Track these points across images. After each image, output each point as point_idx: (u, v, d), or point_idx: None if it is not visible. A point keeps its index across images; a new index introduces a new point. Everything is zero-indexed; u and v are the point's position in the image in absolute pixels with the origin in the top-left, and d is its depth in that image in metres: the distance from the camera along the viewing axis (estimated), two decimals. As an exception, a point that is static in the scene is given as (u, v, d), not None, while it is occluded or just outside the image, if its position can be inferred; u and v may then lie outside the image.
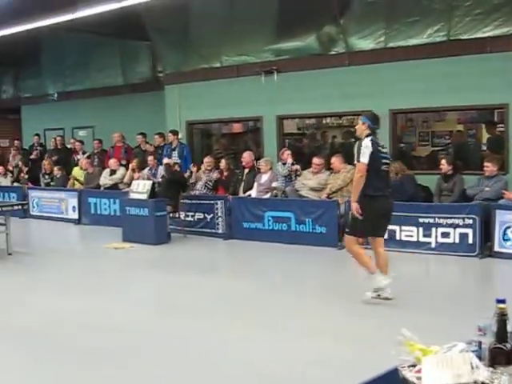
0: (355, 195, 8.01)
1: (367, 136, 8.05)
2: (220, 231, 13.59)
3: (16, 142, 21.35)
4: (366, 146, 7.90)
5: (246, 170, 14.05)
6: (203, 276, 10.16)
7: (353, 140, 15.19)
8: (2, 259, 11.98)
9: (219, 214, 13.56)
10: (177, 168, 14.24)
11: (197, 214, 13.89)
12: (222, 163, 14.71)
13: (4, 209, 12.53)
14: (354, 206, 7.97)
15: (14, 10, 14.02)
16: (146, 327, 7.46)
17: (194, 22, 16.13)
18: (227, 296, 8.87)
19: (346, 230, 8.49)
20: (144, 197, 13.16)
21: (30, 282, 10.15)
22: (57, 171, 18.07)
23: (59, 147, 19.51)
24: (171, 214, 13.57)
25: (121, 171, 16.42)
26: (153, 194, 13.23)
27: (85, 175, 17.22)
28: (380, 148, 8.10)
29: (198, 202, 13.92)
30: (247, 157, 14.12)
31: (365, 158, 7.86)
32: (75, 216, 16.67)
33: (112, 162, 16.60)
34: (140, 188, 13.37)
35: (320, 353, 6.26)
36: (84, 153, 18.50)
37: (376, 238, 8.29)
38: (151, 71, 18.57)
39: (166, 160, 14.09)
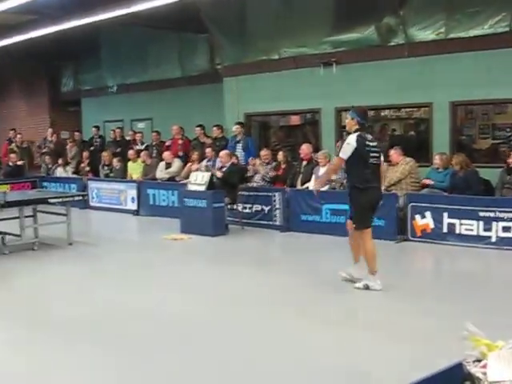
0: (323, 183, 9.19)
1: (356, 131, 8.39)
2: (277, 223, 13.58)
3: (76, 133, 21.63)
4: (348, 143, 8.30)
5: (304, 163, 14.02)
6: (260, 268, 10.17)
7: (412, 133, 15.19)
8: (62, 249, 12.20)
9: (277, 206, 13.55)
10: (235, 160, 14.28)
11: (254, 205, 13.91)
12: (280, 155, 14.70)
13: (65, 199, 12.76)
14: (316, 187, 9.01)
15: (74, 4, 14.19)
16: (202, 317, 7.54)
17: (252, 14, 16.14)
18: (283, 288, 8.88)
19: (354, 225, 8.67)
20: (202, 188, 13.22)
21: (89, 271, 10.32)
22: (116, 163, 18.27)
23: (118, 139, 19.72)
24: (229, 206, 13.62)
25: (176, 164, 16.52)
26: (211, 185, 13.28)
27: (143, 167, 17.37)
28: (368, 143, 8.38)
29: (256, 193, 13.93)
30: (305, 149, 14.08)
31: (344, 154, 8.32)
32: (134, 207, 16.85)
33: (167, 155, 16.73)
34: (198, 180, 13.44)
35: (376, 348, 6.23)
36: (143, 143, 18.67)
37: (365, 229, 8.56)
38: (209, 64, 18.60)
39: (215, 172, 13.98)
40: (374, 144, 8.54)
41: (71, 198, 13.18)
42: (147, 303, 8.22)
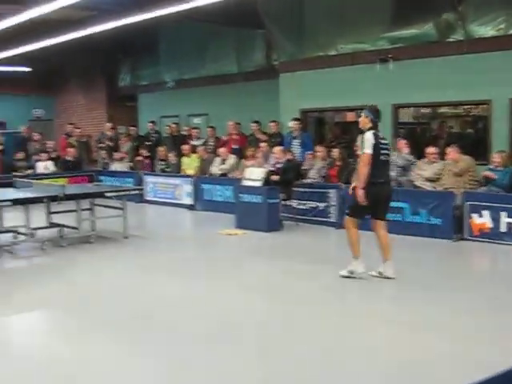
0: (362, 183, 8.73)
1: (369, 129, 8.83)
2: (332, 220, 13.53)
3: (131, 128, 21.83)
4: (368, 139, 8.69)
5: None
6: (314, 264, 10.14)
7: (470, 130, 14.99)
8: (118, 242, 12.36)
9: (332, 203, 13.51)
10: (289, 156, 14.26)
11: (309, 202, 13.88)
12: (335, 152, 14.63)
13: (121, 193, 12.91)
14: (361, 192, 8.73)
15: (133, 0, 14.32)
16: (253, 313, 7.57)
17: (309, 10, 16.09)
18: (336, 285, 8.86)
19: (346, 211, 9.38)
20: (258, 184, 13.25)
21: (144, 265, 10.45)
22: (172, 157, 18.40)
23: (175, 134, 19.84)
24: (284, 202, 13.62)
25: (230, 161, 16.57)
26: (266, 181, 13.29)
27: (200, 161, 17.46)
28: (380, 140, 8.84)
29: (311, 190, 13.91)
30: (361, 145, 13.97)
31: (369, 149, 8.66)
32: (189, 202, 16.97)
33: (222, 151, 16.79)
34: (254, 175, 13.46)
35: (440, 347, 6.18)
36: (199, 139, 18.77)
37: (376, 220, 9.09)
38: (266, 59, 18.60)
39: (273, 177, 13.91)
40: (386, 142, 9.08)
41: (127, 192, 13.34)
42: (200, 298, 8.28)
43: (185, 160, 17.93)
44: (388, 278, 8.90)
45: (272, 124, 16.59)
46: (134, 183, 18.49)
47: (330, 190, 13.58)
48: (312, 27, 16.05)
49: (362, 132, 8.97)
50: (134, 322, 7.23)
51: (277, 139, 16.06)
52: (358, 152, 9.16)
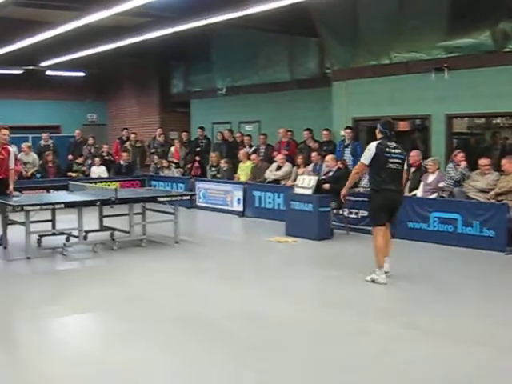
0: (346, 188, 9.92)
1: (379, 139, 9.47)
2: (384, 230, 13.42)
3: (184, 134, 21.98)
4: (369, 149, 9.36)
5: (413, 169, 13.78)
6: (363, 274, 10.06)
7: None
8: (169, 247, 12.45)
9: (384, 213, 13.39)
10: (340, 165, 14.20)
11: (361, 211, 13.79)
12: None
13: (173, 198, 12.99)
14: (343, 192, 9.93)
15: (187, 7, 14.41)
16: (300, 321, 7.56)
17: (363, 18, 16.02)
18: (387, 296, 8.85)
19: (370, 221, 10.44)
20: (309, 192, 13.22)
21: (194, 269, 10.57)
22: (223, 164, 18.48)
23: (228, 140, 19.89)
24: (335, 211, 13.57)
25: (285, 168, 16.53)
26: (317, 189, 13.25)
27: (252, 169, 17.50)
28: (388, 149, 9.32)
29: (363, 199, 13.81)
30: (415, 155, 13.83)
31: (365, 160, 9.39)
32: (239, 208, 17.01)
33: (279, 158, 16.77)
34: (305, 183, 13.44)
35: (493, 361, 6.11)
36: (251, 146, 18.81)
37: (376, 226, 9.53)
38: (319, 67, 18.59)
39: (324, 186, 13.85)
40: (397, 151, 9.42)
41: (179, 198, 13.40)
42: (248, 303, 8.34)
43: (240, 166, 17.99)
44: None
45: (324, 132, 16.58)
46: (186, 189, 18.61)
47: (382, 200, 13.45)
48: (366, 36, 15.99)
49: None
50: (186, 326, 7.30)
51: (329, 147, 16.02)
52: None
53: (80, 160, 20.89)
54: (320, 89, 17.86)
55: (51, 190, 17.92)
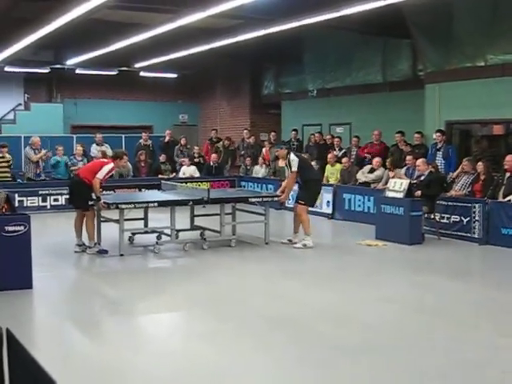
0: None
1: None
2: (476, 236, 13.16)
3: (272, 133, 22.06)
4: None
5: (508, 174, 13.43)
6: (454, 280, 9.94)
7: None
8: (260, 247, 12.58)
9: (476, 218, 13.14)
10: (432, 169, 13.99)
11: (453, 216, 13.56)
12: (480, 166, 14.20)
13: (264, 199, 13.05)
14: None
15: (280, 8, 14.43)
16: (395, 326, 7.52)
17: (457, 19, 15.73)
18: (476, 303, 8.70)
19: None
20: (400, 196, 13.08)
21: (283, 270, 10.62)
22: (314, 166, 18.38)
23: (319, 142, 19.86)
24: (426, 215, 13.38)
25: (378, 172, 16.38)
26: (409, 193, 13.09)
27: (341, 171, 17.42)
28: None
29: (455, 203, 13.59)
30: (510, 160, 13.43)
31: None
32: (329, 211, 16.95)
33: (375, 161, 16.62)
34: (396, 187, 13.30)
35: None
36: (341, 149, 18.72)
37: None
38: (411, 69, 18.35)
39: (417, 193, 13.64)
40: None
41: (270, 199, 13.47)
42: (339, 306, 8.36)
43: (329, 168, 17.91)
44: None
45: (416, 135, 16.35)
46: (275, 189, 18.59)
47: (475, 205, 13.20)
48: (461, 37, 15.69)
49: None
50: (276, 327, 7.34)
51: (421, 151, 15.82)
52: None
53: (164, 159, 21.05)
54: (412, 91, 17.63)
55: (143, 189, 18.26)
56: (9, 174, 17.92)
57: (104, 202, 11.56)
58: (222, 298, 8.72)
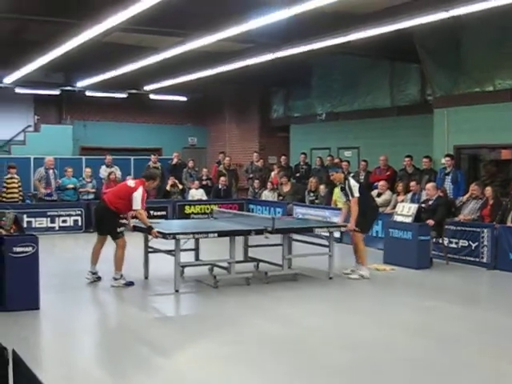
0: None
1: None
2: (484, 260, 13.12)
3: (283, 157, 22.09)
4: None
5: (515, 199, 13.47)
6: (461, 305, 9.91)
7: None
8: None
9: (484, 243, 13.10)
10: (440, 194, 13.98)
11: (461, 241, 13.53)
12: (488, 191, 14.17)
13: (330, 229, 12.24)
14: None
15: (289, 33, 14.48)
16: (392, 349, 7.51)
17: (467, 44, 15.78)
18: (482, 328, 8.64)
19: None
20: (409, 220, 13.06)
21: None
22: (322, 189, 18.41)
23: (328, 166, 19.84)
24: (435, 240, 13.35)
25: (385, 196, 16.35)
26: (418, 217, 13.07)
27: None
28: None
29: (463, 228, 13.56)
30: (518, 185, 13.49)
31: None
32: (337, 234, 16.84)
33: (380, 185, 16.61)
34: (405, 211, 13.29)
35: None
36: (349, 173, 18.69)
37: None
38: (420, 94, 18.38)
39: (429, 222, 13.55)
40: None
41: (337, 229, 12.84)
42: (340, 330, 8.37)
43: (337, 192, 17.85)
44: None
45: (425, 160, 16.33)
46: (283, 213, 18.61)
47: (484, 230, 13.17)
48: (469, 62, 15.74)
49: None
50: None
51: (430, 176, 15.79)
52: None
53: (174, 182, 21.07)
54: (421, 115, 17.66)
55: (151, 212, 18.24)
56: (17, 195, 18.01)
57: (159, 232, 10.57)
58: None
